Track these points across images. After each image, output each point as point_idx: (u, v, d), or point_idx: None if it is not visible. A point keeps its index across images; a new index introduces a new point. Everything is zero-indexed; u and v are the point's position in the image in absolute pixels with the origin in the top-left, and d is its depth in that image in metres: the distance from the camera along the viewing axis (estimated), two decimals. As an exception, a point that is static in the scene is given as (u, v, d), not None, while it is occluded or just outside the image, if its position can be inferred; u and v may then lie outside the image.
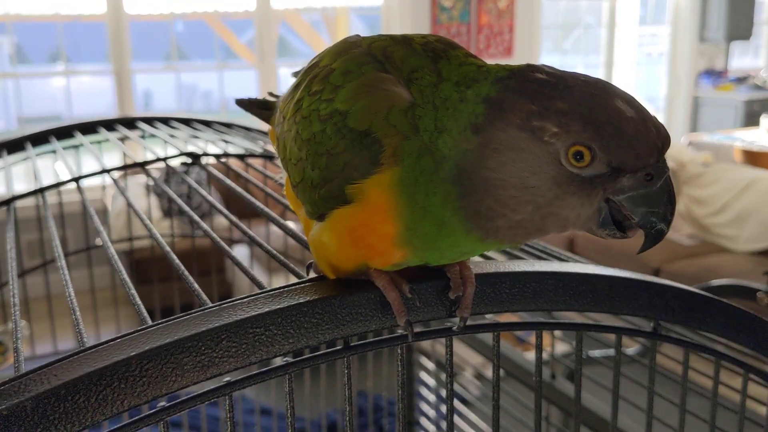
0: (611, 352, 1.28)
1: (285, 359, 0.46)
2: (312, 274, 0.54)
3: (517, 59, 6.57)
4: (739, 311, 0.59)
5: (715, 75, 7.52)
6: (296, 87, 0.59)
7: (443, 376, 1.43)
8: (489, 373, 1.65)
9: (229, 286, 4.36)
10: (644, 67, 8.01)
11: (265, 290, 0.47)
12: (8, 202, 0.87)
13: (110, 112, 5.43)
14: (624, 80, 7.56)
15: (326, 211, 0.52)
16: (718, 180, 4.91)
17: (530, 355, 1.62)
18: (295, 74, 0.63)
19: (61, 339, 1.88)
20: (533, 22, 6.61)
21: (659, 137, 0.48)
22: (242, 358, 0.43)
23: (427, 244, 0.50)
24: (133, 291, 0.52)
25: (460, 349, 1.87)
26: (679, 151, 5.33)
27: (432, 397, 1.44)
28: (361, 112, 0.51)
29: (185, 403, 0.43)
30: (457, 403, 1.46)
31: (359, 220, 0.50)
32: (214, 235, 0.67)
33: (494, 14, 6.35)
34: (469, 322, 0.51)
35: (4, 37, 5.38)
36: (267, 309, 0.44)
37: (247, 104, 0.77)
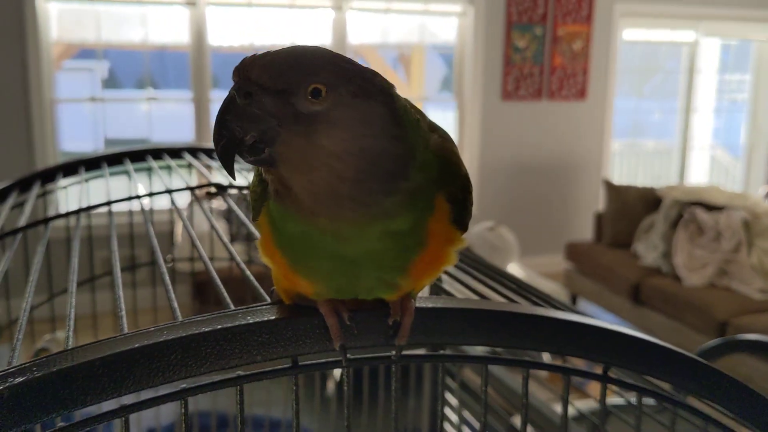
0: (620, 401, 1.28)
1: (237, 372, 0.51)
2: (275, 298, 0.59)
3: (590, 102, 6.54)
4: (690, 360, 0.61)
5: (798, 125, 7.29)
6: None
7: (466, 397, 1.46)
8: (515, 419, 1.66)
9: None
10: (724, 115, 7.82)
11: (225, 310, 0.53)
12: (47, 221, 0.97)
13: (189, 139, 5.69)
14: (702, 127, 7.40)
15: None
16: (794, 233, 4.75)
17: (555, 404, 1.62)
18: None
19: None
20: (609, 65, 6.57)
21: (250, 60, 0.52)
22: (193, 368, 0.49)
23: (304, 262, 0.54)
24: (123, 314, 0.59)
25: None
26: (754, 203, 5.18)
27: (455, 417, 1.47)
28: None
29: (144, 404, 0.49)
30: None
31: (263, 250, 0.57)
32: (209, 264, 0.74)
33: (568, 56, 6.35)
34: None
35: (97, 63, 5.72)
36: (219, 326, 0.50)
37: None
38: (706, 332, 4.46)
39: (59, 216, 1.04)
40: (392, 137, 0.52)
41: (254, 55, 0.52)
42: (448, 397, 1.49)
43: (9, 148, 5.00)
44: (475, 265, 0.96)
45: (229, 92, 0.52)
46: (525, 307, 0.58)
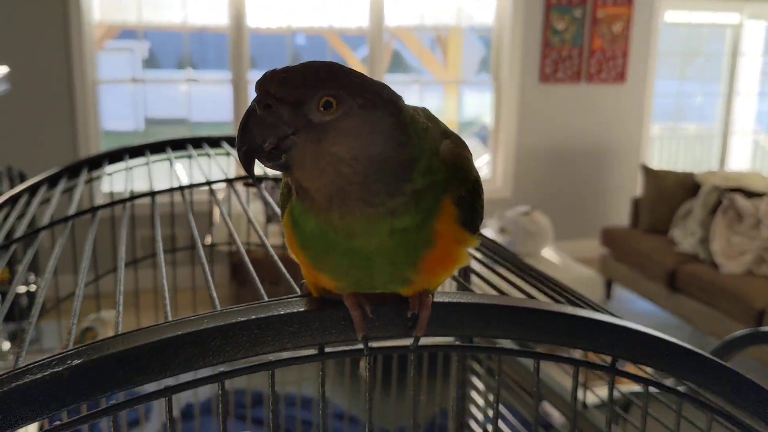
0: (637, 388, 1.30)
1: (269, 357, 0.57)
2: (304, 291, 0.64)
3: (630, 85, 6.47)
4: (695, 354, 0.65)
5: None
6: None
7: (492, 382, 1.50)
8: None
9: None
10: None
11: (260, 301, 0.59)
12: (95, 209, 1.03)
13: (227, 119, 5.79)
14: (745, 111, 7.27)
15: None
16: (834, 222, 4.67)
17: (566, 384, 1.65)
18: None
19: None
20: (650, 47, 6.49)
21: (269, 74, 0.56)
22: (231, 353, 0.54)
23: (323, 259, 0.58)
24: (166, 294, 0.64)
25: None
26: (793, 190, 5.11)
27: (481, 401, 1.52)
28: None
29: (187, 385, 0.55)
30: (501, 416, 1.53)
31: (289, 248, 0.62)
32: (245, 255, 0.79)
33: (608, 38, 6.29)
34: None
35: (138, 43, 5.83)
36: (254, 316, 0.55)
37: None
38: (742, 320, 4.43)
39: (106, 205, 1.10)
40: (397, 144, 0.57)
41: (274, 70, 0.57)
42: (475, 381, 1.53)
43: (53, 127, 5.14)
44: (497, 258, 1.00)
45: (251, 104, 0.57)
46: (536, 302, 0.63)
